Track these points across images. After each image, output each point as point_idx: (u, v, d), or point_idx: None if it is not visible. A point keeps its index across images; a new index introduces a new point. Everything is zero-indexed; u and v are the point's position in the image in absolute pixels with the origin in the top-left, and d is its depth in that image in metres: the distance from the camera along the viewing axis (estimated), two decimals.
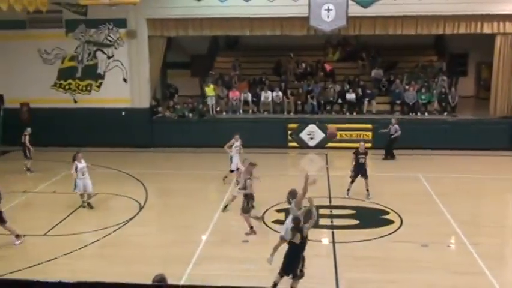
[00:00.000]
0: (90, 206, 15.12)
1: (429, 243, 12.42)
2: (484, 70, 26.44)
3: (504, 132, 21.24)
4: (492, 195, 16.37)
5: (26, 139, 18.89)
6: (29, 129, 19.13)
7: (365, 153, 15.83)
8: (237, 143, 16.93)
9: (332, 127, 10.47)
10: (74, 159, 14.97)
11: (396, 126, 20.05)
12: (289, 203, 10.57)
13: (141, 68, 22.32)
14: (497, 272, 10.95)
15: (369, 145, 21.39)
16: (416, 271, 11.00)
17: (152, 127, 22.65)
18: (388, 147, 20.35)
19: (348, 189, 15.84)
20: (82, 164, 15.00)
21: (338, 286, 10.35)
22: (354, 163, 15.76)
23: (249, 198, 12.99)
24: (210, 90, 23.31)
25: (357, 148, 16.04)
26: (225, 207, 14.66)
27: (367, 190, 15.67)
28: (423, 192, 16.24)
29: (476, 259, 11.52)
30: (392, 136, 20.12)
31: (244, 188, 13.05)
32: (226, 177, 17.14)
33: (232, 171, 16.74)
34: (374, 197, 15.48)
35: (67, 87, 22.88)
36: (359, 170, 15.68)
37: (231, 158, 16.80)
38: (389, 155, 20.42)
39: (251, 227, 12.99)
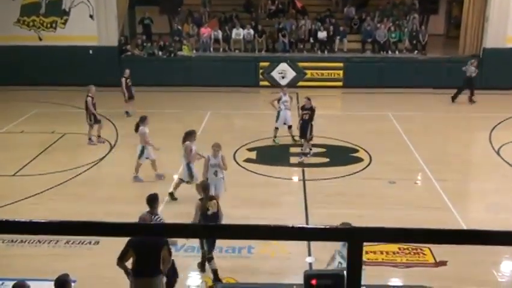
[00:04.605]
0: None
1: (397, 180, 12.76)
2: (455, 8, 26.40)
3: None
4: (458, 133, 16.74)
5: (123, 82, 17.92)
6: (127, 71, 18.07)
7: (309, 109, 14.05)
8: (284, 97, 15.09)
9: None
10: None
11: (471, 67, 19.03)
12: None
13: (108, 4, 21.52)
14: (460, 207, 11.40)
15: (340, 84, 21.54)
16: (383, 207, 11.33)
17: (121, 66, 22.14)
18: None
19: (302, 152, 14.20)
20: (216, 160, 10.86)
21: (308, 221, 10.62)
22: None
23: None
24: (186, 50, 22.69)
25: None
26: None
27: (302, 153, 14.19)
28: (392, 130, 16.49)
29: (441, 194, 11.92)
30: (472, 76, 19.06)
31: None
32: (275, 136, 15.26)
33: (277, 128, 15.12)
34: (344, 135, 15.64)
35: (30, 24, 22.04)
36: (301, 127, 14.14)
37: (278, 112, 15.05)
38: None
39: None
